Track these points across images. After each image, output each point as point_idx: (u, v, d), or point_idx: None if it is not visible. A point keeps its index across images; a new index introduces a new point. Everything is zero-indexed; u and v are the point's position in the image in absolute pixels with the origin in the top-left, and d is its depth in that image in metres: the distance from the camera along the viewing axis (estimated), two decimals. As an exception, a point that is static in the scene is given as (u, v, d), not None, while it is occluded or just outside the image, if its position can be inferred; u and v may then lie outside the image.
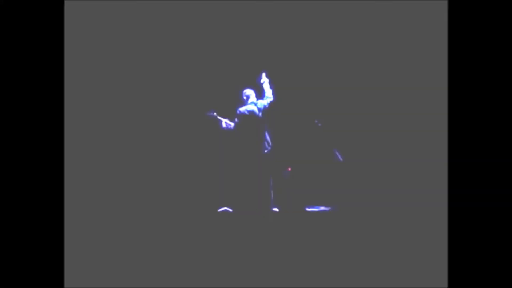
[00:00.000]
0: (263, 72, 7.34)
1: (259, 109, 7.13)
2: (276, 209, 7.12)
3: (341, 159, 7.53)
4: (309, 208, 7.46)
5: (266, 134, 7.15)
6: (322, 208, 7.47)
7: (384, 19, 7.95)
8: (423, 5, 7.49)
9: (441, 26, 5.52)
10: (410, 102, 7.82)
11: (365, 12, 7.98)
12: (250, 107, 7.11)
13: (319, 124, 7.64)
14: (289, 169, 7.78)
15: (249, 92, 7.24)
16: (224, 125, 7.15)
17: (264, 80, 7.29)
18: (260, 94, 7.30)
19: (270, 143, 7.13)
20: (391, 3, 7.78)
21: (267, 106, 7.18)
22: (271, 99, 7.23)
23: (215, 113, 7.15)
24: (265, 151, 7.07)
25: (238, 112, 7.10)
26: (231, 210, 7.22)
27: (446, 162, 4.47)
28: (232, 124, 7.14)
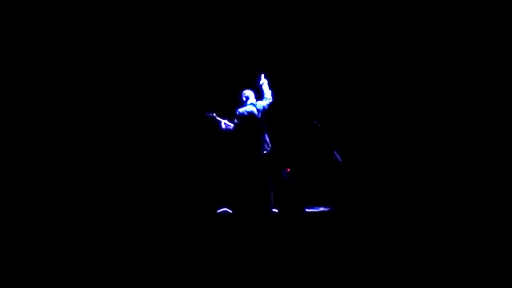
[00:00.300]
0: (262, 73, 7.35)
1: (258, 110, 7.14)
2: (275, 210, 7.12)
3: (340, 160, 7.53)
4: (308, 209, 7.45)
5: (266, 135, 7.16)
6: (322, 209, 7.46)
7: (382, 18, 7.97)
8: None
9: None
10: (407, 101, 7.86)
11: (363, 12, 8.00)
12: (249, 108, 7.12)
13: (318, 125, 7.64)
14: (288, 169, 7.78)
15: (249, 93, 7.25)
16: (223, 126, 7.16)
17: (263, 81, 7.31)
18: (259, 95, 7.31)
19: (270, 144, 7.14)
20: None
21: (266, 107, 7.19)
22: (270, 100, 7.25)
23: (214, 114, 7.16)
24: (264, 152, 7.08)
25: (237, 113, 7.10)
26: (230, 211, 7.22)
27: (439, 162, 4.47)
28: (232, 125, 7.14)
